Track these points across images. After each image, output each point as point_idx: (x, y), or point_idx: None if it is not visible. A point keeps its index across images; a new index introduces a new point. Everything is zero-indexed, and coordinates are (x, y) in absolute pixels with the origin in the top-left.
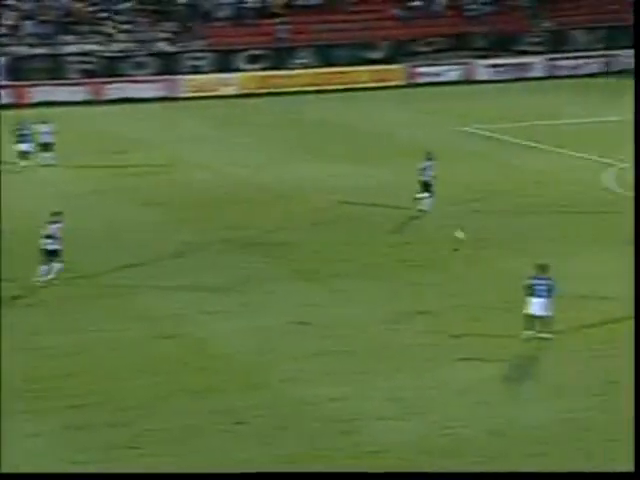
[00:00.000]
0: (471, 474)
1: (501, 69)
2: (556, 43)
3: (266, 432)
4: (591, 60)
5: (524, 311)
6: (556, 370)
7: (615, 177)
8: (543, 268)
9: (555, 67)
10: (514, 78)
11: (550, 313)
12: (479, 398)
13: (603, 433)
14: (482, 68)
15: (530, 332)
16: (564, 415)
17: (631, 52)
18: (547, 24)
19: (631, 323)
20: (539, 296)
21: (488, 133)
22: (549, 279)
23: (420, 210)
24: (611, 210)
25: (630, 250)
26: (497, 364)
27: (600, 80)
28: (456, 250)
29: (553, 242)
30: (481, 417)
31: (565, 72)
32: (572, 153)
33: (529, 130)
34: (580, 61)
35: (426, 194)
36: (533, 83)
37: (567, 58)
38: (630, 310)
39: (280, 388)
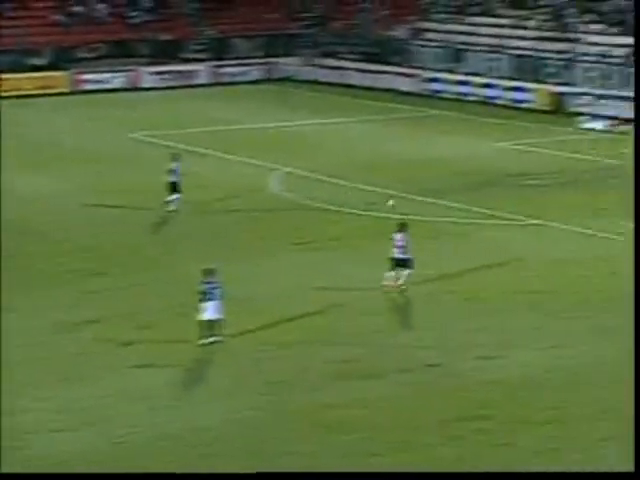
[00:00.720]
0: (471, 474)
1: (166, 76)
2: (219, 50)
3: None
4: (253, 67)
5: (198, 317)
6: (226, 372)
7: (281, 181)
8: (211, 272)
9: (219, 74)
10: (179, 85)
11: (220, 316)
12: (152, 404)
13: (269, 431)
14: (147, 75)
15: (205, 337)
16: (233, 415)
17: (290, 59)
18: (210, 32)
19: (304, 323)
20: (210, 300)
21: (155, 140)
22: (217, 282)
23: (170, 211)
24: (278, 213)
25: (299, 251)
26: (170, 369)
27: (262, 87)
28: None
29: (223, 246)
30: (154, 423)
31: (229, 79)
32: (239, 159)
33: (196, 136)
34: (242, 68)
35: (175, 195)
36: (198, 90)
37: (230, 65)
38: (286, 312)
39: None
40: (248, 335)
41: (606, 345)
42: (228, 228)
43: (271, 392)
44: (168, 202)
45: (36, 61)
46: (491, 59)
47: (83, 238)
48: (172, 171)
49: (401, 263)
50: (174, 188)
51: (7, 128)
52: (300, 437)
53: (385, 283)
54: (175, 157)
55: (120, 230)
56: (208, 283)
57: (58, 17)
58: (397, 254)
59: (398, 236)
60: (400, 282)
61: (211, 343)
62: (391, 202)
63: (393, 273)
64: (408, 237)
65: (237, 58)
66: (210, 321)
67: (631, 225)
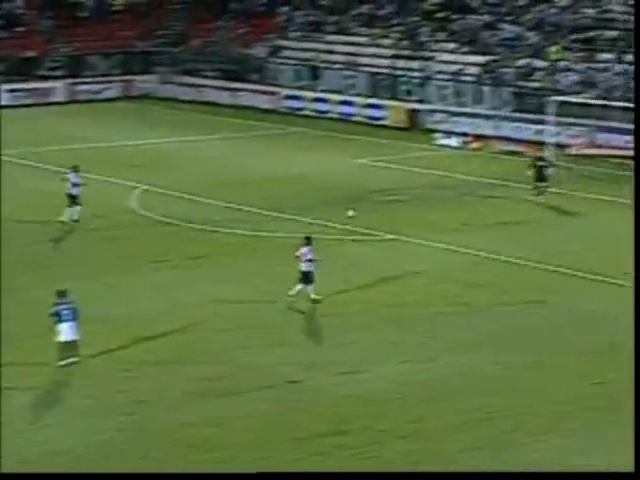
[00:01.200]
0: (471, 474)
1: (21, 94)
2: (76, 68)
3: None
4: (110, 85)
5: (55, 339)
6: (87, 393)
7: (140, 199)
8: (63, 293)
9: (76, 92)
10: (35, 103)
11: (76, 337)
12: (9, 428)
13: (130, 451)
14: (2, 93)
15: (63, 359)
16: (93, 437)
17: (148, 77)
18: (66, 49)
19: (164, 342)
20: (65, 321)
21: (10, 159)
22: (71, 303)
23: (64, 222)
24: (138, 232)
25: (160, 270)
26: (28, 392)
27: (120, 104)
28: None
29: (82, 265)
30: (13, 447)
31: (86, 97)
32: (97, 177)
33: (53, 155)
34: (100, 86)
35: (76, 206)
36: (55, 107)
37: (87, 83)
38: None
39: None
40: (109, 355)
41: (462, 358)
42: (87, 247)
43: (132, 412)
44: (68, 214)
45: None
46: (348, 77)
47: None
48: (71, 183)
49: (308, 277)
50: (74, 200)
51: None
52: (161, 457)
53: (291, 293)
54: (75, 169)
55: None
56: (61, 304)
57: None
58: (304, 268)
59: (304, 249)
60: (313, 296)
61: (69, 364)
62: (351, 212)
63: (300, 286)
64: (313, 250)
65: (94, 76)
66: (67, 342)
67: (485, 239)
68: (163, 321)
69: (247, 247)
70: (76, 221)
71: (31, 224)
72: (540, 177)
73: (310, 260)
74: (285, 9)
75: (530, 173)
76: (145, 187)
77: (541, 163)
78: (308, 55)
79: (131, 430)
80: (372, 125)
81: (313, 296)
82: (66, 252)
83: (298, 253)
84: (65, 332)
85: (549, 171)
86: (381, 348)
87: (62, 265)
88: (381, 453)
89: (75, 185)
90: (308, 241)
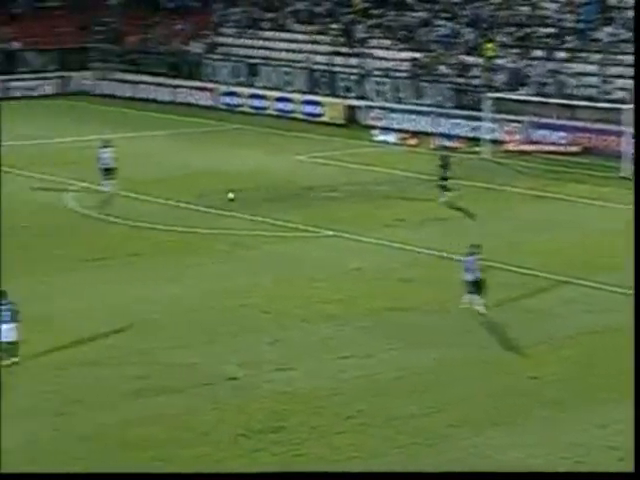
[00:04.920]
0: (471, 474)
1: None
2: (9, 64)
3: None
4: (46, 81)
5: None
6: (23, 393)
7: (76, 197)
8: (3, 294)
9: (10, 88)
10: None
11: (15, 338)
12: None
13: (67, 451)
14: None
15: (4, 360)
16: (30, 437)
17: (85, 73)
18: None
19: (98, 342)
20: (4, 322)
21: None
22: (11, 304)
23: (109, 193)
24: (74, 230)
25: (95, 268)
26: None
27: (56, 101)
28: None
29: (17, 263)
30: None
31: (20, 93)
32: (32, 174)
33: None
34: (35, 82)
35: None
36: None
37: (21, 79)
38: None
39: None
40: (43, 354)
41: (400, 354)
42: (23, 245)
43: (67, 412)
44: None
45: None
46: (286, 73)
47: None
48: (104, 157)
49: (477, 285)
50: (108, 173)
51: None
52: (100, 456)
53: (462, 306)
54: (105, 143)
55: None
56: (0, 305)
57: None
58: (471, 276)
59: (470, 258)
60: (480, 308)
61: (9, 365)
62: (231, 195)
63: (470, 297)
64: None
65: (29, 72)
66: (6, 344)
67: (422, 236)
68: (99, 320)
69: (185, 245)
70: (109, 192)
71: None
72: (444, 174)
73: (474, 269)
74: (220, 5)
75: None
76: (82, 184)
77: (445, 159)
78: (245, 52)
79: (65, 430)
80: (310, 122)
81: (480, 308)
82: (2, 250)
83: (464, 261)
84: (5, 333)
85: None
86: (318, 344)
87: None
88: (319, 449)
89: (107, 159)
90: (475, 249)
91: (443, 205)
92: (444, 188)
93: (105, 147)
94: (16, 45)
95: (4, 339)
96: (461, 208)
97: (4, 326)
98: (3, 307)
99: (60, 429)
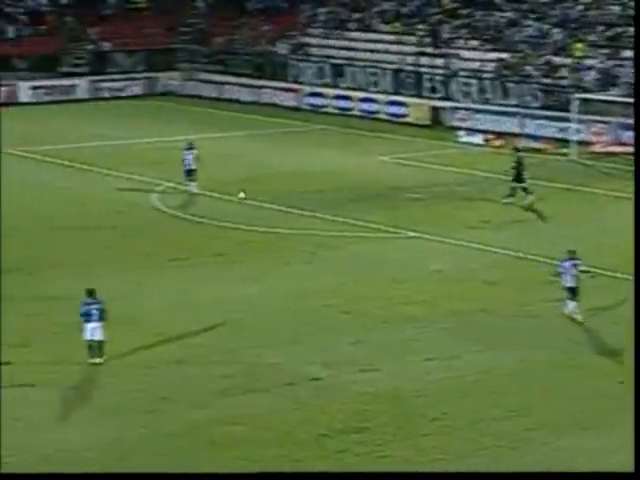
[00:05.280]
0: (471, 474)
1: (44, 91)
2: (99, 65)
3: None
4: (133, 82)
5: (83, 338)
6: (110, 391)
7: (162, 196)
8: (91, 292)
9: (99, 89)
10: (58, 100)
11: (101, 337)
12: (31, 424)
13: (154, 449)
14: (25, 90)
15: (89, 357)
16: (117, 434)
17: (171, 74)
18: (89, 46)
19: (185, 341)
20: (92, 321)
21: (32, 155)
22: (98, 303)
23: (192, 194)
24: (160, 229)
25: (181, 267)
26: (49, 389)
27: (143, 102)
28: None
29: (104, 263)
30: (33, 444)
31: (109, 94)
32: (120, 174)
33: (75, 152)
34: (123, 83)
35: (192, 182)
36: (77, 105)
37: (110, 80)
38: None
39: None
40: (131, 353)
41: (483, 356)
42: (109, 244)
43: (155, 410)
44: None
45: None
46: (371, 74)
47: None
48: (187, 159)
49: (574, 292)
50: (190, 174)
51: None
52: (186, 454)
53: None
54: (190, 145)
55: None
56: (90, 304)
57: None
58: (570, 283)
59: (567, 264)
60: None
61: (95, 364)
62: (242, 194)
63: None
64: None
65: (117, 73)
66: (92, 342)
67: (504, 237)
68: (184, 319)
69: (268, 245)
70: (194, 194)
71: (54, 220)
72: (518, 177)
73: (571, 274)
74: (307, 6)
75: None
76: (168, 184)
77: (519, 160)
78: (331, 52)
79: (154, 428)
80: (394, 122)
81: (578, 316)
82: (89, 249)
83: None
84: (92, 332)
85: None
86: (401, 346)
87: (85, 262)
88: (403, 451)
89: (191, 161)
90: (572, 255)
91: (513, 206)
92: (524, 190)
93: (189, 149)
94: (106, 46)
95: (93, 337)
96: (543, 210)
97: (92, 324)
98: (93, 306)
99: (148, 427)
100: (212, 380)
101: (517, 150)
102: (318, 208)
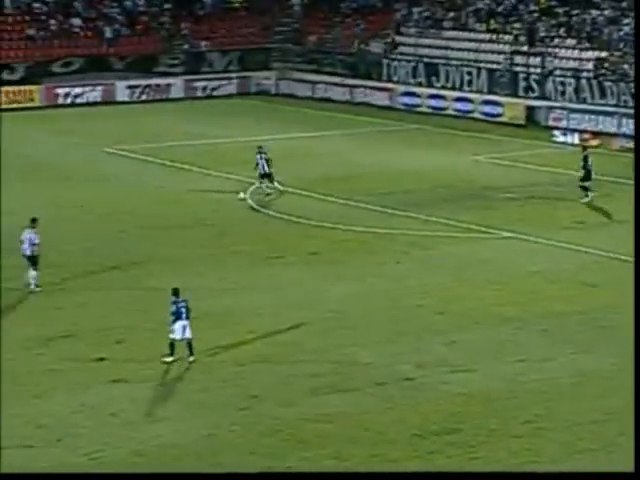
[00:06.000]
0: (471, 474)
1: (140, 90)
2: (194, 65)
3: None
4: (227, 81)
5: (170, 336)
6: (199, 387)
7: (254, 195)
8: (176, 291)
9: (193, 88)
10: (153, 99)
11: (189, 335)
12: (124, 420)
13: (243, 446)
14: (121, 89)
15: (173, 356)
16: (206, 431)
17: (265, 73)
18: (184, 46)
19: (276, 339)
20: (182, 319)
21: (128, 154)
22: (184, 301)
23: (268, 194)
24: (254, 228)
25: (275, 266)
26: (142, 385)
27: (237, 101)
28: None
29: (197, 260)
30: (126, 439)
31: (203, 93)
32: (214, 173)
33: (170, 151)
34: (217, 82)
35: (271, 183)
36: (172, 104)
37: (205, 79)
38: (270, 325)
39: None
40: (222, 350)
41: (578, 358)
42: (205, 243)
43: (245, 407)
44: (270, 189)
45: (9, 76)
46: (465, 73)
47: (52, 253)
48: (261, 163)
49: None
50: (266, 177)
51: None
52: (278, 451)
53: None
54: (260, 150)
55: (91, 245)
56: (177, 302)
57: (32, 32)
58: None
59: None
60: None
61: (183, 360)
62: (242, 195)
63: None
64: None
65: (212, 72)
66: (181, 340)
67: (599, 238)
68: (276, 317)
69: (362, 244)
70: (277, 190)
71: (153, 219)
72: (586, 175)
73: None
74: (402, 5)
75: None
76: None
77: (586, 159)
78: (425, 52)
79: (244, 425)
80: (489, 122)
81: None
82: (183, 246)
83: None
84: (183, 330)
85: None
86: (495, 347)
87: (179, 259)
88: (496, 453)
89: (264, 164)
90: None
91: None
92: (585, 189)
93: (260, 152)
94: (201, 45)
95: (184, 336)
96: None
97: (183, 322)
98: (178, 305)
99: (239, 424)
100: (302, 378)
101: (584, 148)
102: (412, 208)
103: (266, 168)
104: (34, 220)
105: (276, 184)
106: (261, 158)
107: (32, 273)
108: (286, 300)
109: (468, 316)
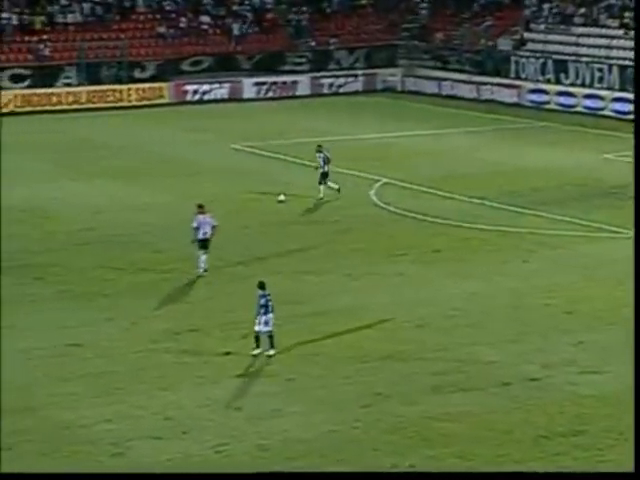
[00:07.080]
0: (471, 474)
1: (267, 87)
2: (320, 62)
3: (31, 457)
4: (354, 78)
5: (260, 328)
6: (322, 383)
7: (380, 192)
8: (262, 285)
9: (319, 85)
10: (280, 96)
11: (270, 328)
12: (249, 414)
13: (366, 443)
14: (248, 86)
15: (259, 349)
16: (329, 427)
17: (391, 70)
18: (311, 43)
19: (398, 336)
20: (269, 312)
21: (256, 150)
22: (268, 295)
23: (321, 198)
24: (377, 224)
25: (398, 263)
26: (264, 380)
27: (363, 98)
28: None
29: (321, 256)
30: (251, 433)
31: (329, 90)
32: (338, 169)
33: (296, 147)
34: (343, 79)
35: (332, 184)
36: (298, 101)
37: (331, 77)
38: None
39: (48, 411)
40: (345, 346)
41: None
42: (330, 238)
43: (369, 404)
44: (332, 189)
45: (139, 74)
46: (595, 69)
47: (185, 248)
48: (320, 165)
49: None
50: (325, 177)
51: (106, 138)
52: (401, 449)
53: None
54: (319, 149)
55: (219, 241)
56: (264, 296)
57: (162, 30)
58: None
59: None
60: None
61: (269, 356)
62: (282, 197)
63: None
64: None
65: (338, 69)
66: (269, 332)
67: None
68: (398, 314)
69: (489, 242)
70: (338, 190)
71: (278, 215)
72: None
73: None
74: (532, 1)
75: None
76: (385, 180)
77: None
78: (554, 48)
79: (367, 422)
80: (620, 120)
81: None
82: (306, 242)
83: None
84: (267, 323)
85: None
86: (625, 348)
87: (301, 255)
88: (625, 456)
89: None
90: None
91: None
92: None
93: (319, 152)
94: (328, 43)
95: (269, 328)
96: None
97: (270, 315)
98: (263, 298)
99: (362, 420)
100: (425, 376)
101: None
102: (539, 206)
103: (325, 167)
104: (201, 206)
105: (330, 184)
106: (319, 157)
107: (203, 257)
108: (409, 297)
109: (598, 317)
